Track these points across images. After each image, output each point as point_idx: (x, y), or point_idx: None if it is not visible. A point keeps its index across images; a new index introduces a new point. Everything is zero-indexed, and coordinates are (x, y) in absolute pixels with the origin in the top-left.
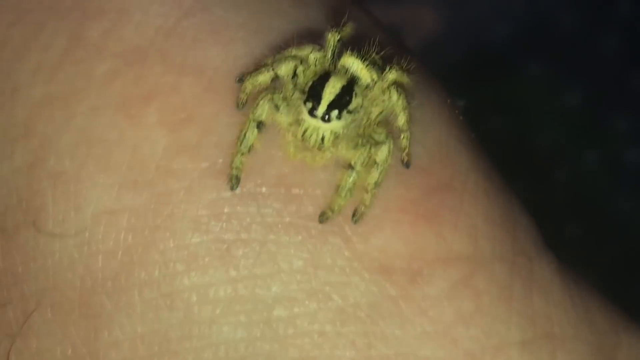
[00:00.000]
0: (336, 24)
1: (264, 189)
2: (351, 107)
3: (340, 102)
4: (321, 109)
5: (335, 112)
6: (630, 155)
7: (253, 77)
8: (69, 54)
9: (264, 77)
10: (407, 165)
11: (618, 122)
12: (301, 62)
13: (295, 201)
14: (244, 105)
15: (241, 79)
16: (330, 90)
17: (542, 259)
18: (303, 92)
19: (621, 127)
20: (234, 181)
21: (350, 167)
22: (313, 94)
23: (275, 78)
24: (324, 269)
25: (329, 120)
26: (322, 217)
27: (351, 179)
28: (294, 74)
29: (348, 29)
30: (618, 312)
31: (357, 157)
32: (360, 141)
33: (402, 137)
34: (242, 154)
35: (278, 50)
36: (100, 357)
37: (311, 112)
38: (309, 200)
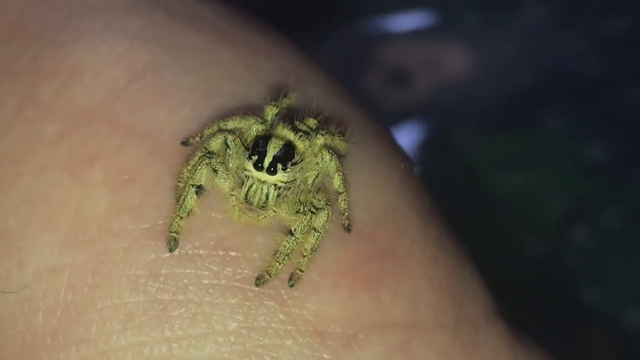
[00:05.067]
0: (276, 97)
1: (201, 251)
2: (294, 160)
3: (284, 156)
4: (267, 160)
5: (280, 165)
6: None
7: (186, 166)
8: (20, 114)
9: (197, 158)
10: (347, 229)
11: None
12: (230, 132)
13: (232, 264)
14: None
15: (186, 142)
16: (274, 146)
17: (491, 326)
18: (247, 149)
19: None
20: (173, 243)
21: (290, 233)
22: (257, 150)
23: (208, 154)
24: (258, 331)
25: (274, 172)
26: (259, 281)
27: (289, 245)
28: (226, 145)
29: (287, 101)
30: None
31: (298, 224)
32: (301, 208)
33: (339, 200)
34: (181, 217)
35: (225, 115)
36: None
37: (257, 165)
38: (246, 264)
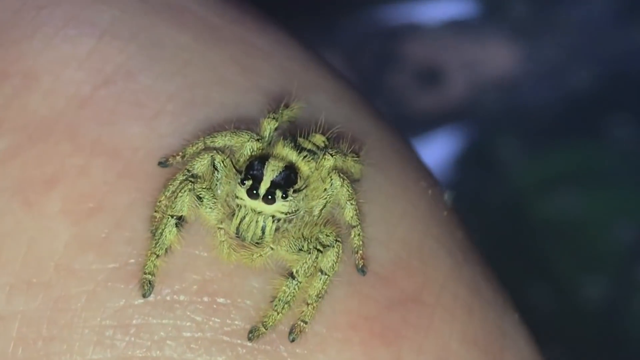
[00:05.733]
0: (275, 108)
1: (182, 297)
2: (297, 186)
3: (284, 181)
4: (264, 186)
5: (279, 192)
6: None
7: (164, 192)
8: None
9: (178, 183)
10: (362, 271)
11: None
12: (219, 152)
13: (221, 313)
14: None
15: (165, 163)
16: (272, 169)
17: None
18: (239, 172)
19: None
20: (147, 287)
21: (291, 275)
22: (252, 173)
23: (192, 178)
24: None
25: (273, 201)
26: (253, 334)
27: (290, 290)
28: (214, 167)
29: (289, 113)
30: None
31: (301, 265)
32: (305, 245)
33: (352, 235)
34: (157, 255)
35: (213, 129)
36: None
37: (251, 192)
38: (237, 313)
